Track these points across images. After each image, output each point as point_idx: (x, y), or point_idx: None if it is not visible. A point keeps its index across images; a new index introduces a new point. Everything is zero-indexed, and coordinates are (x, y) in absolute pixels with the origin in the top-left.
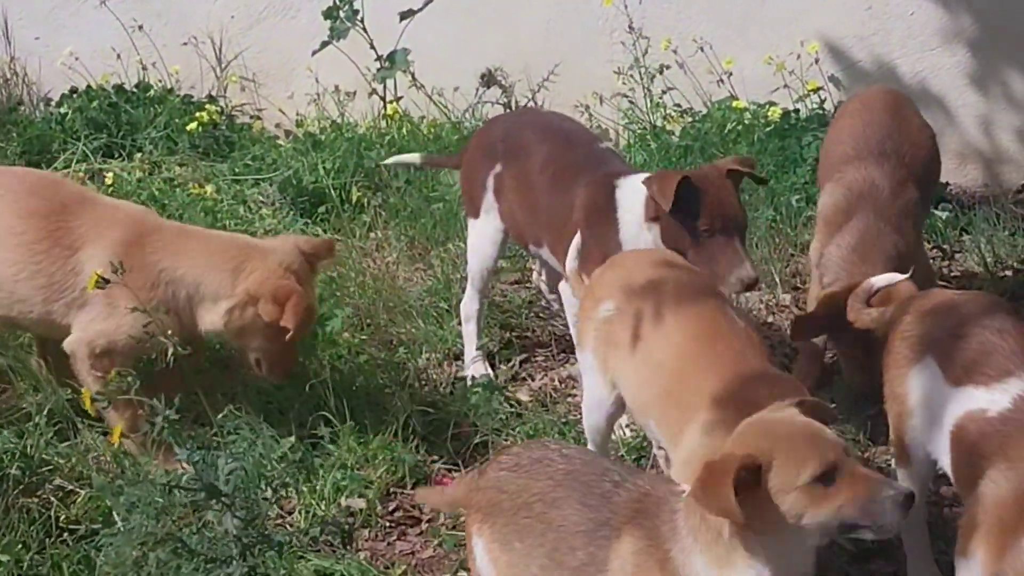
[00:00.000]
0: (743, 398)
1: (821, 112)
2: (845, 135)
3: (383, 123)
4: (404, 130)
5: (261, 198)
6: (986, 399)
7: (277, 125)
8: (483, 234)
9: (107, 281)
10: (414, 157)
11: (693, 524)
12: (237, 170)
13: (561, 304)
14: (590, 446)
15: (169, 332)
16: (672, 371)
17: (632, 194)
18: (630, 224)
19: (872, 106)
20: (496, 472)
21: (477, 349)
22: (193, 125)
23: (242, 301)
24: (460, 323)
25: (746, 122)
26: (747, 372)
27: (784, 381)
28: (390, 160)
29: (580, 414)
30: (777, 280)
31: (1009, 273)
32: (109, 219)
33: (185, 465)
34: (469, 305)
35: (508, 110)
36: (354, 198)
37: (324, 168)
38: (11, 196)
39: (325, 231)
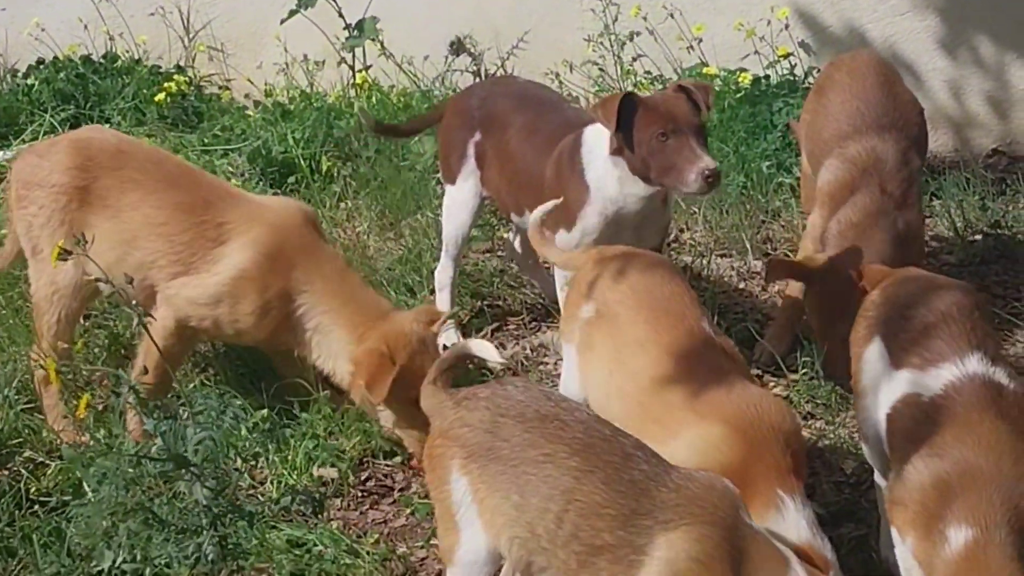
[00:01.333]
0: (726, 412)
1: (791, 78)
2: (838, 110)
3: (352, 92)
4: (374, 99)
5: (230, 169)
6: (920, 384)
7: (246, 95)
8: (459, 201)
9: (69, 253)
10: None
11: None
12: (206, 141)
13: (532, 274)
14: None
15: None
16: (647, 385)
17: (594, 136)
18: (595, 164)
19: (863, 77)
20: (491, 415)
21: (448, 318)
22: (161, 96)
23: (349, 365)
24: (432, 292)
25: (716, 89)
26: (726, 387)
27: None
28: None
29: (552, 383)
30: (748, 247)
31: (979, 238)
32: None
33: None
34: (443, 273)
35: (478, 78)
36: (324, 168)
37: (293, 138)
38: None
39: (296, 197)
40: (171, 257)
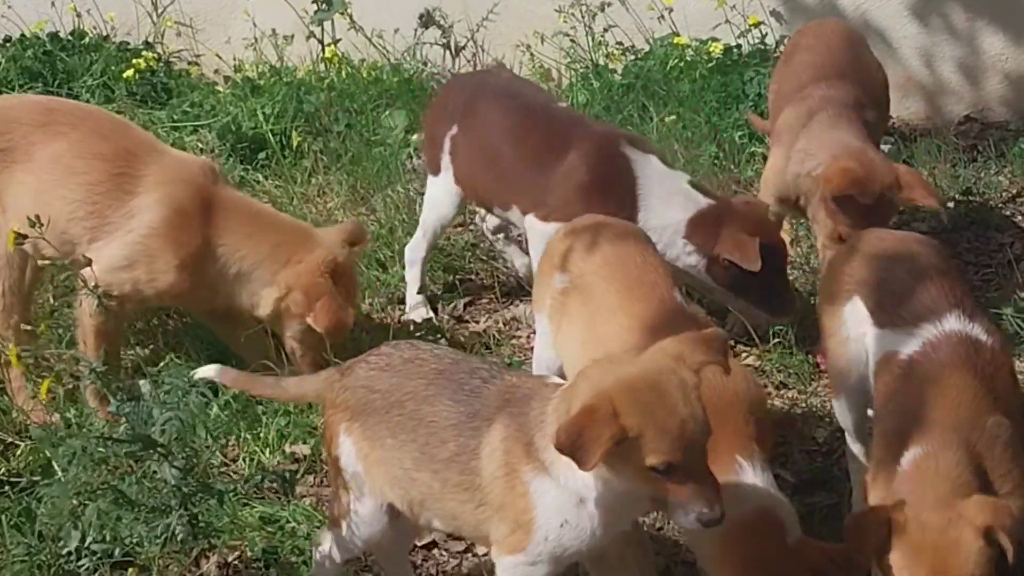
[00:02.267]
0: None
1: (763, 47)
2: (800, 68)
3: (322, 67)
4: (344, 73)
5: (200, 145)
6: (900, 342)
7: (215, 71)
8: (443, 191)
9: (24, 238)
10: None
11: (559, 415)
12: (175, 117)
13: (503, 249)
14: None
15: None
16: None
17: (654, 173)
18: (656, 211)
19: (828, 38)
20: (366, 372)
21: (419, 293)
22: (130, 72)
23: (284, 292)
24: (403, 267)
25: (688, 59)
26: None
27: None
28: None
29: (524, 356)
30: None
31: (951, 205)
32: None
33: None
34: (415, 250)
35: (448, 51)
36: (294, 143)
37: (263, 114)
38: (77, 135)
39: (266, 177)
40: (88, 208)
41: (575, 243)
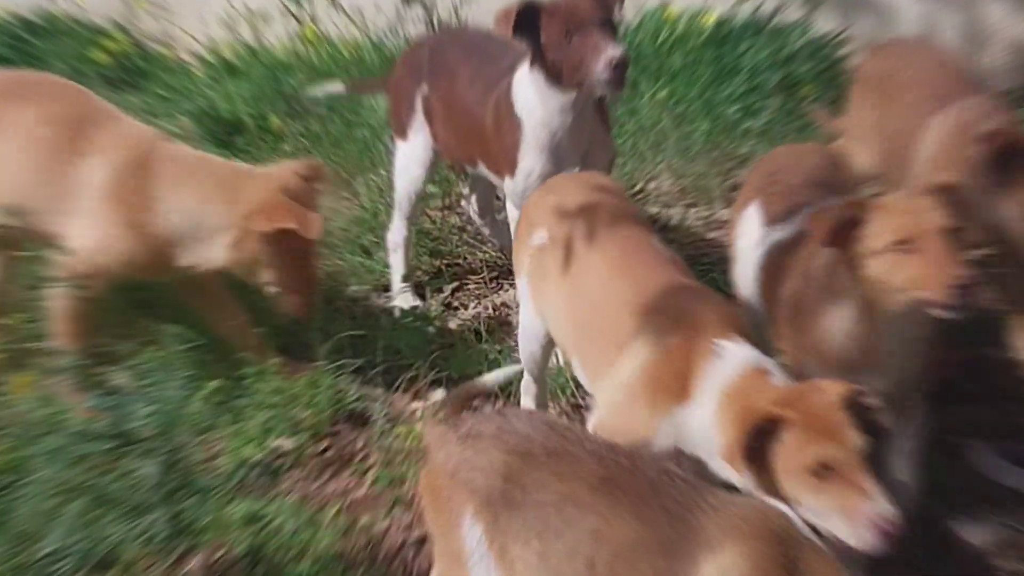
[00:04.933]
0: (670, 316)
1: (758, 18)
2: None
3: (301, 46)
4: (324, 53)
5: (176, 130)
6: (777, 234)
7: (190, 53)
8: (411, 156)
9: None
10: (338, 86)
11: None
12: (150, 101)
13: (490, 231)
14: (526, 375)
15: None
16: (597, 302)
17: (523, 71)
18: (520, 94)
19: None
20: (503, 455)
21: (404, 279)
22: (102, 56)
23: (242, 231)
24: (387, 253)
25: (679, 31)
26: (673, 291)
27: (709, 296)
28: (314, 91)
29: (517, 342)
30: (716, 195)
31: None
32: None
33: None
34: (396, 233)
35: (432, 28)
36: (273, 126)
37: (240, 96)
38: (36, 101)
39: (245, 162)
40: (45, 175)
41: (549, 198)
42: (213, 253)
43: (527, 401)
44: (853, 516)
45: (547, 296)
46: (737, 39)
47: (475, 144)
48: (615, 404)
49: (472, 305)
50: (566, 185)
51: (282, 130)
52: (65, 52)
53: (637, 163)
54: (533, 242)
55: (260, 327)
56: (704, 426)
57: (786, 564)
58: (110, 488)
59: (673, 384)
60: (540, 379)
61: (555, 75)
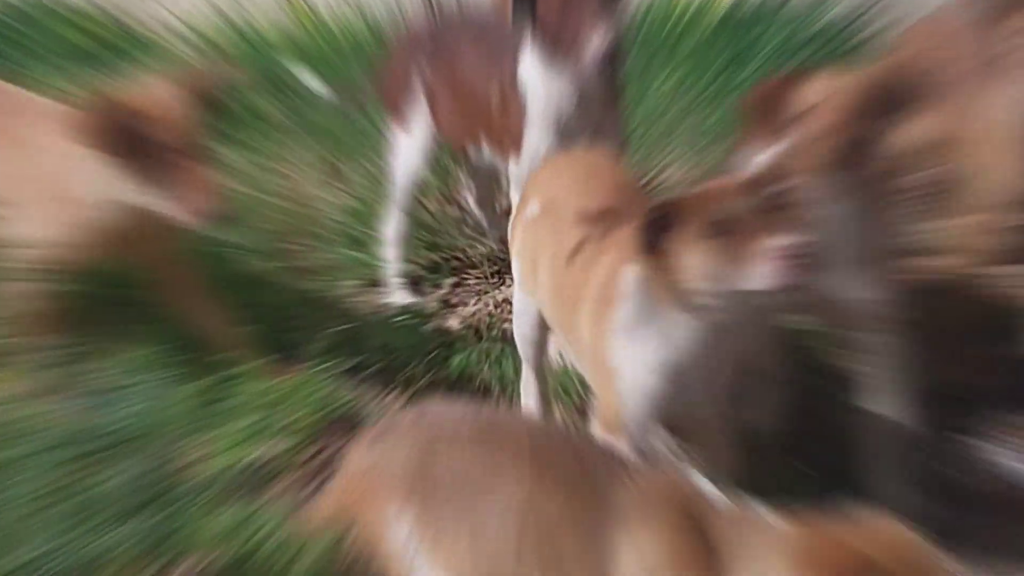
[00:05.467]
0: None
1: (772, 1)
2: None
3: (292, 27)
4: (320, 39)
5: None
6: None
7: (175, 32)
8: (411, 144)
9: None
10: (322, 89)
11: None
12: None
13: (489, 222)
14: (525, 369)
15: None
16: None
17: (525, 42)
18: (523, 64)
19: None
20: (421, 442)
21: (400, 274)
22: (79, 37)
23: None
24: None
25: (690, 16)
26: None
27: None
28: (306, 79)
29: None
30: None
31: None
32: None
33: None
34: (392, 226)
35: (431, 10)
36: (260, 109)
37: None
38: None
39: (230, 149)
40: None
41: (545, 173)
42: None
43: (528, 400)
44: (758, 259)
45: (540, 269)
46: (752, 23)
47: (480, 126)
48: None
49: (472, 302)
50: (564, 160)
51: (269, 114)
52: (40, 35)
53: (646, 153)
54: (527, 216)
55: (243, 325)
56: None
57: (700, 536)
58: (90, 494)
59: None
60: (538, 370)
61: (551, 49)
